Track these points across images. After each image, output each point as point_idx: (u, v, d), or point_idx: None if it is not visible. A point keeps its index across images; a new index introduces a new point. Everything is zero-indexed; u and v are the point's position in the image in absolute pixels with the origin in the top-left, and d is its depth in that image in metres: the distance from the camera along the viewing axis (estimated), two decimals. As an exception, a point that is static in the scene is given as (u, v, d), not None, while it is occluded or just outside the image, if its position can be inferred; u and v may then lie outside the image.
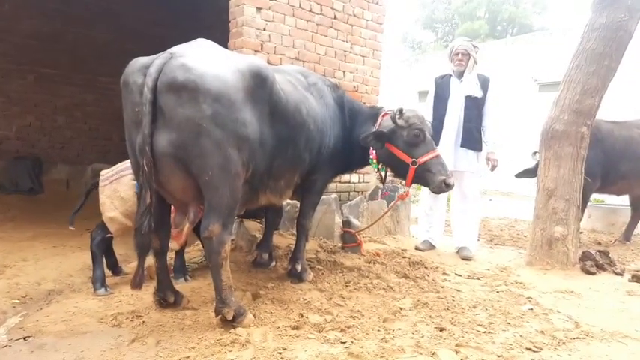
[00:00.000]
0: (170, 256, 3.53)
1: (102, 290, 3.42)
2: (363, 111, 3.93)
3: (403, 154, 3.61)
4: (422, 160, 3.60)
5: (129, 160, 3.53)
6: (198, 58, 2.60)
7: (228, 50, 3.06)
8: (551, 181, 4.68)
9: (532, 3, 30.27)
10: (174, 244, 3.76)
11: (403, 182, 3.87)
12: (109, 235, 3.53)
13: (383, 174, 4.01)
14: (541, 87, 15.64)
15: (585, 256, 4.62)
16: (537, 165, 5.68)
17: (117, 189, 3.43)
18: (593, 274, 4.44)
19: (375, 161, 3.73)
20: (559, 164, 4.66)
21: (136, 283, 2.74)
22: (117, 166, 3.56)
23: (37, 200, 7.78)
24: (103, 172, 3.56)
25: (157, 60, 2.53)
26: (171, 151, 2.54)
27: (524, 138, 12.84)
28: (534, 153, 5.81)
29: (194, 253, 4.26)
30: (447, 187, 3.67)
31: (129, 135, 2.68)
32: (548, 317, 3.24)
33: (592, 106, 4.58)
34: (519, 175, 6.13)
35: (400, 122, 3.57)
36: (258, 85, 2.78)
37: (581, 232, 5.34)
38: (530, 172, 5.92)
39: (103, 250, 3.62)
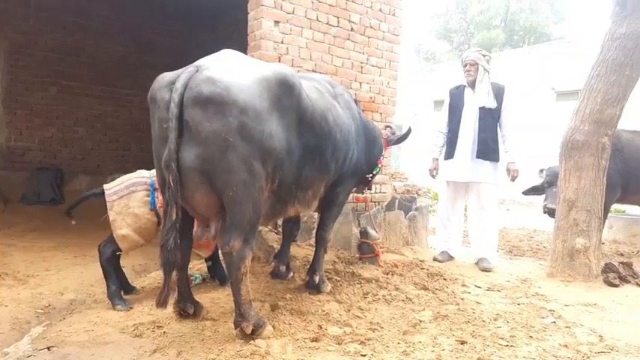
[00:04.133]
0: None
1: (120, 306, 3.32)
2: (374, 127, 4.16)
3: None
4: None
5: (136, 174, 3.46)
6: (224, 70, 2.56)
7: (253, 59, 3.06)
8: (572, 192, 4.62)
9: (552, 12, 29.95)
10: (204, 253, 3.80)
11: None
12: (118, 252, 3.42)
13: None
14: (559, 96, 15.50)
15: (608, 268, 4.53)
16: (544, 182, 5.65)
17: (128, 205, 3.29)
18: (616, 286, 4.35)
19: (379, 167, 4.17)
20: (580, 175, 4.60)
21: (161, 302, 2.65)
22: (122, 179, 3.40)
23: (59, 210, 7.88)
24: (106, 186, 3.39)
25: (183, 74, 2.51)
26: (197, 166, 2.51)
27: (542, 147, 12.74)
28: (541, 170, 5.75)
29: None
30: None
31: (156, 150, 2.66)
32: (572, 331, 3.19)
33: (613, 116, 4.53)
34: (526, 192, 6.07)
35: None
36: (285, 94, 2.74)
37: (602, 244, 5.25)
38: (537, 190, 5.87)
39: (115, 265, 3.48)
